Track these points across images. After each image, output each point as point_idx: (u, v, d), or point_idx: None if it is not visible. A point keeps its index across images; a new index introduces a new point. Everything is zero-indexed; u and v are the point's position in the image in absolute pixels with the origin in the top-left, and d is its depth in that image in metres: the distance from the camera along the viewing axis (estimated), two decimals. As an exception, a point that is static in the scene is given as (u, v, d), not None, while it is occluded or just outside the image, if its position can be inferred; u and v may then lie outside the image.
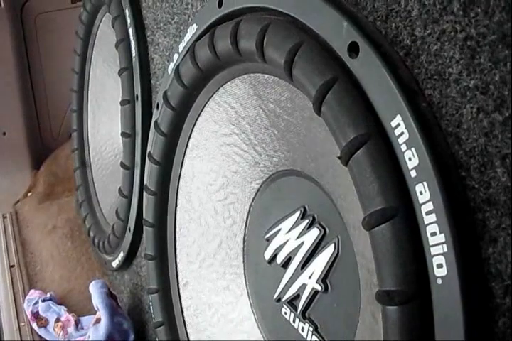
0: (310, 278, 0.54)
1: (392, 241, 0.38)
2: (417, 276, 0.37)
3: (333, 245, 0.51)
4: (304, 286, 0.55)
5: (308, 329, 0.55)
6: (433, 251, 0.36)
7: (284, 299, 0.60)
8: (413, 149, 0.37)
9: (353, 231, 0.48)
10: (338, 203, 0.51)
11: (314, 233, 0.54)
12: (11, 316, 1.28)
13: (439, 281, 0.36)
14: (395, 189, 0.38)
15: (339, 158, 0.43)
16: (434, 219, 0.36)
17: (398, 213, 0.37)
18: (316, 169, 0.53)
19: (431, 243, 0.36)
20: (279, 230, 0.60)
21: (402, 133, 0.38)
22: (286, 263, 0.59)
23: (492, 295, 0.35)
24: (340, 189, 0.49)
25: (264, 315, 0.66)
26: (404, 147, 0.38)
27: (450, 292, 0.35)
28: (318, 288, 0.53)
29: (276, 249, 0.61)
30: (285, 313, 0.59)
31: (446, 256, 0.35)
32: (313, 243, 0.54)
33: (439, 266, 0.36)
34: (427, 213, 0.36)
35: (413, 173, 0.37)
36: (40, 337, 1.21)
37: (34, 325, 1.21)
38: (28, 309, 1.24)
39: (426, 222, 0.37)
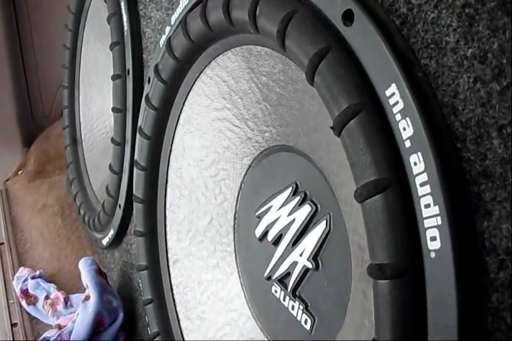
0: (301, 255, 0.53)
1: (384, 213, 0.37)
2: (410, 249, 0.36)
3: (324, 222, 0.50)
4: (294, 264, 0.55)
5: (299, 307, 0.54)
6: (426, 223, 0.35)
7: (274, 277, 0.59)
8: (408, 119, 0.36)
9: (345, 207, 0.47)
10: (331, 179, 0.50)
11: (306, 209, 0.53)
12: (0, 293, 1.27)
13: (433, 255, 0.35)
14: (389, 160, 0.37)
15: (332, 128, 0.42)
16: (428, 190, 0.35)
17: (391, 184, 0.36)
18: (308, 144, 0.52)
19: (424, 215, 0.35)
20: (271, 207, 0.59)
21: (397, 102, 0.37)
22: (277, 241, 0.58)
23: (486, 269, 0.34)
24: (333, 164, 0.48)
25: (254, 293, 0.65)
26: (398, 116, 0.37)
27: (443, 266, 0.34)
28: (309, 265, 0.52)
29: (267, 226, 0.60)
30: (275, 291, 0.59)
31: (440, 228, 0.34)
32: (305, 220, 0.53)
33: (433, 238, 0.35)
34: (421, 184, 0.35)
35: (407, 143, 0.36)
36: (29, 314, 1.20)
37: (23, 303, 1.21)
38: (17, 286, 1.24)
39: (420, 194, 0.35)
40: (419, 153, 0.35)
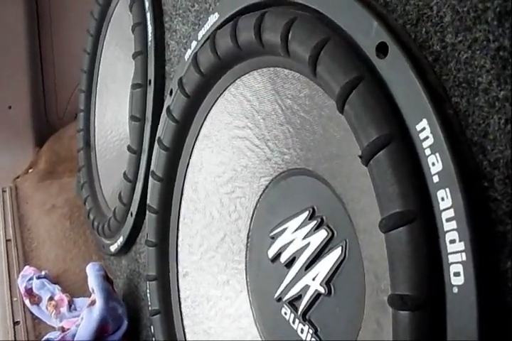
0: (314, 279, 0.53)
1: (409, 245, 0.37)
2: (433, 283, 0.36)
3: (340, 248, 0.51)
4: (306, 287, 0.55)
5: (308, 331, 0.54)
6: (451, 258, 0.35)
7: (285, 299, 0.59)
8: (437, 154, 0.37)
9: (363, 235, 0.47)
10: (349, 206, 0.50)
11: (322, 235, 0.53)
12: (4, 290, 1.27)
13: (455, 290, 0.35)
14: (416, 193, 0.37)
15: (360, 157, 0.42)
16: (454, 226, 0.35)
17: (417, 217, 0.37)
18: (328, 170, 0.53)
19: (449, 250, 0.36)
20: (286, 229, 0.59)
21: (427, 137, 0.37)
22: (290, 263, 0.58)
23: (508, 309, 0.34)
24: (353, 192, 0.49)
25: (263, 313, 0.65)
26: (428, 151, 0.37)
27: (466, 302, 0.34)
28: (322, 290, 0.52)
29: (280, 248, 0.60)
30: (285, 313, 0.59)
31: (464, 265, 0.34)
32: (320, 244, 0.53)
33: (456, 274, 0.35)
34: (447, 220, 0.36)
35: (435, 178, 0.37)
36: (32, 313, 1.20)
37: (27, 302, 1.21)
38: (21, 285, 1.24)
39: (445, 229, 0.36)
40: (447, 189, 0.36)
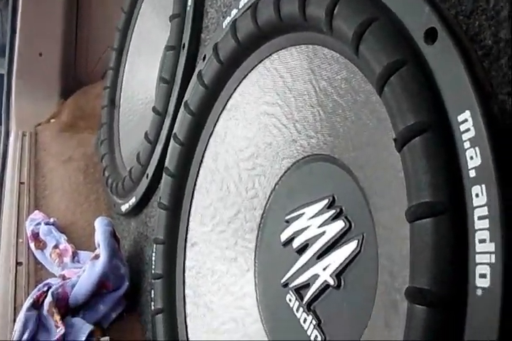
0: (324, 270, 0.52)
1: (434, 237, 0.35)
2: (455, 280, 0.34)
3: (356, 241, 0.49)
4: (316, 277, 0.53)
5: (311, 322, 0.53)
6: (478, 258, 0.33)
7: (291, 285, 0.57)
8: (477, 148, 0.34)
9: (382, 231, 0.46)
10: (372, 200, 0.48)
11: (339, 225, 0.51)
12: (11, 230, 1.29)
13: (479, 292, 0.33)
14: (449, 185, 0.35)
15: (394, 140, 0.40)
16: (486, 225, 0.33)
17: (447, 210, 0.35)
18: (355, 160, 0.50)
19: (478, 250, 0.33)
20: (302, 214, 0.57)
21: (468, 129, 0.35)
22: (302, 250, 0.56)
23: None
24: (378, 185, 0.47)
25: (266, 296, 0.64)
26: (467, 144, 0.35)
27: (489, 306, 0.32)
28: (331, 282, 0.51)
29: (294, 233, 0.58)
30: (290, 300, 0.57)
31: (492, 267, 0.32)
32: (336, 235, 0.51)
33: (482, 276, 0.33)
34: (480, 218, 0.34)
35: (472, 173, 0.35)
36: (35, 257, 1.21)
37: (32, 245, 1.21)
38: (29, 228, 1.24)
39: (476, 227, 0.34)
40: (483, 186, 0.34)
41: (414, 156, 0.38)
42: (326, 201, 0.54)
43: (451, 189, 0.35)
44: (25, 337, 0.91)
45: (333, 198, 0.53)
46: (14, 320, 0.98)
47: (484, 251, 0.33)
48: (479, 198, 0.34)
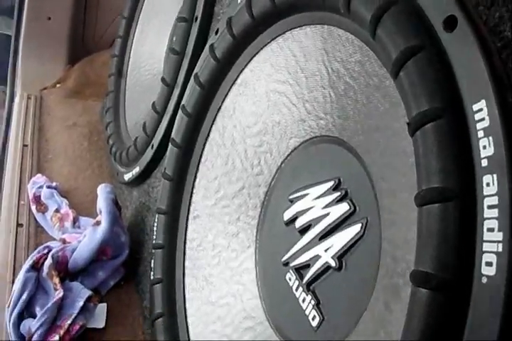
0: (326, 251, 0.52)
1: (442, 223, 0.36)
2: (461, 266, 0.35)
3: (359, 225, 0.49)
4: (317, 257, 0.54)
5: (310, 302, 0.53)
6: (485, 247, 0.34)
7: (292, 264, 0.58)
8: (490, 138, 0.35)
9: (387, 215, 0.46)
10: (378, 184, 0.48)
11: (343, 207, 0.51)
12: (13, 192, 1.29)
13: (484, 280, 0.34)
14: (461, 172, 0.36)
15: (407, 124, 0.40)
16: (496, 215, 0.33)
17: (457, 197, 0.35)
18: (363, 143, 0.50)
19: (485, 238, 0.34)
20: (306, 195, 0.58)
21: (483, 119, 0.35)
22: (304, 230, 0.57)
23: None
24: (385, 170, 0.47)
25: (266, 274, 0.65)
26: (481, 133, 0.35)
27: (493, 293, 0.33)
28: (332, 263, 0.51)
29: (297, 212, 0.59)
30: (289, 279, 0.58)
31: (498, 255, 0.33)
32: (340, 217, 0.52)
33: (488, 264, 0.33)
34: (489, 207, 0.34)
35: (484, 162, 0.35)
36: (36, 220, 1.21)
37: (33, 208, 1.21)
38: (31, 190, 1.24)
39: (485, 216, 0.34)
40: (495, 175, 0.34)
41: (426, 141, 0.38)
42: (331, 183, 0.54)
43: (462, 176, 0.36)
44: (23, 297, 0.91)
45: (339, 181, 0.54)
46: (13, 281, 0.98)
47: (492, 240, 0.34)
48: (490, 187, 0.34)
